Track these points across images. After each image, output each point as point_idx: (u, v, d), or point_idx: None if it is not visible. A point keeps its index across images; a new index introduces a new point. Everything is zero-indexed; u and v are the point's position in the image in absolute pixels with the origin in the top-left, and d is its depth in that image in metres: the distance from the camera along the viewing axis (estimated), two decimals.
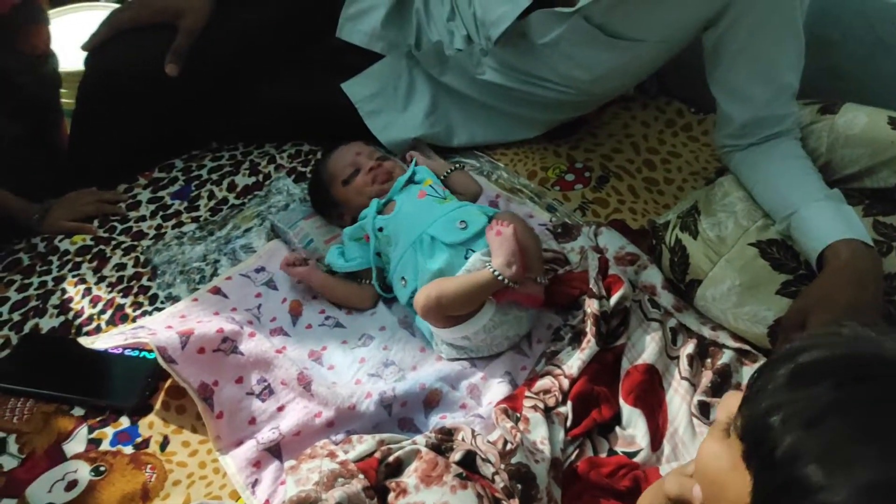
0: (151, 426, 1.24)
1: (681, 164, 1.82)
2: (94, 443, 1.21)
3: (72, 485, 1.14)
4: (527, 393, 1.26)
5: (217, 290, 1.44)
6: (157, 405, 1.27)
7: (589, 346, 1.30)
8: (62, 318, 1.39)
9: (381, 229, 1.42)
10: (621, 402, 1.28)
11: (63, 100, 1.76)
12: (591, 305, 1.34)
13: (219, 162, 1.76)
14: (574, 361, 1.30)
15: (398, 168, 1.55)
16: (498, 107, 1.79)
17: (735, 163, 1.47)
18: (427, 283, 1.30)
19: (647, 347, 1.33)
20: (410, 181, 1.51)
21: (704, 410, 1.25)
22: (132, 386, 1.26)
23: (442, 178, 1.56)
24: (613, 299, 1.36)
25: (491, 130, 1.81)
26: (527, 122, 1.82)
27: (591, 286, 1.37)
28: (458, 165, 1.62)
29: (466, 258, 1.33)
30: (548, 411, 1.23)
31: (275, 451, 1.21)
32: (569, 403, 1.24)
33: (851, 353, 0.62)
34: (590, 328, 1.32)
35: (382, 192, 1.47)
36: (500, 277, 1.27)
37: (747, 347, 1.33)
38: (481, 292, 1.29)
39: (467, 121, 1.79)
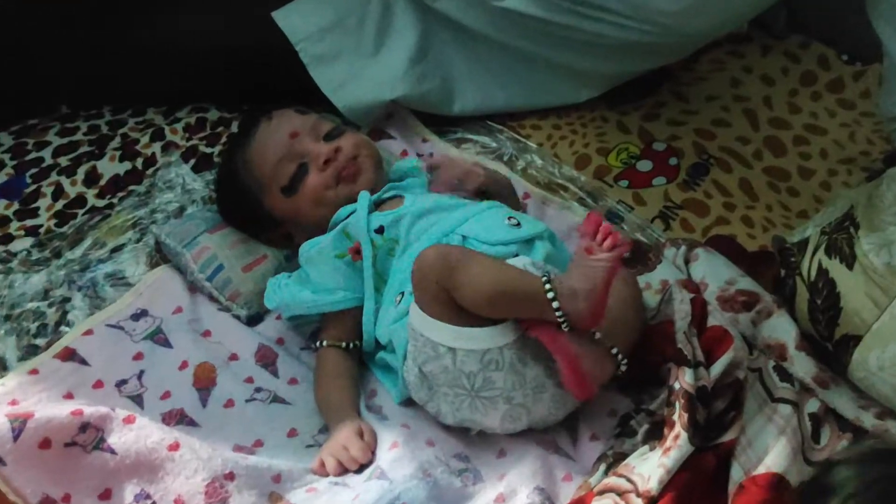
0: None
1: (826, 145, 1.81)
2: None
3: None
4: None
5: (69, 354, 1.44)
6: None
7: (678, 444, 1.30)
8: None
9: (380, 229, 1.46)
10: None
11: None
12: (682, 378, 1.34)
13: (71, 137, 1.72)
14: (654, 470, 1.29)
15: (364, 144, 1.57)
16: (527, 52, 1.78)
17: None
18: None
19: (772, 447, 1.34)
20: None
21: None
22: None
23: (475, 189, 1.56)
24: (717, 367, 1.37)
25: (515, 90, 1.81)
26: (574, 76, 1.81)
27: (678, 346, 1.37)
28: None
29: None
30: None
31: None
32: None
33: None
34: (679, 415, 1.32)
35: (358, 192, 1.51)
36: (550, 295, 1.27)
37: None
38: (514, 297, 1.30)
39: (476, 74, 1.80)
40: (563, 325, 1.28)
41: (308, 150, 1.53)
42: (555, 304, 1.27)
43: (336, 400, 1.44)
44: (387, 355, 1.45)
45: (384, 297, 1.46)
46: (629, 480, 1.29)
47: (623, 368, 1.37)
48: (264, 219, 1.56)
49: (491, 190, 1.57)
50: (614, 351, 1.35)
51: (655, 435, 1.35)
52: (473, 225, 1.43)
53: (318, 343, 1.48)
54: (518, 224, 1.44)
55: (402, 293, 1.42)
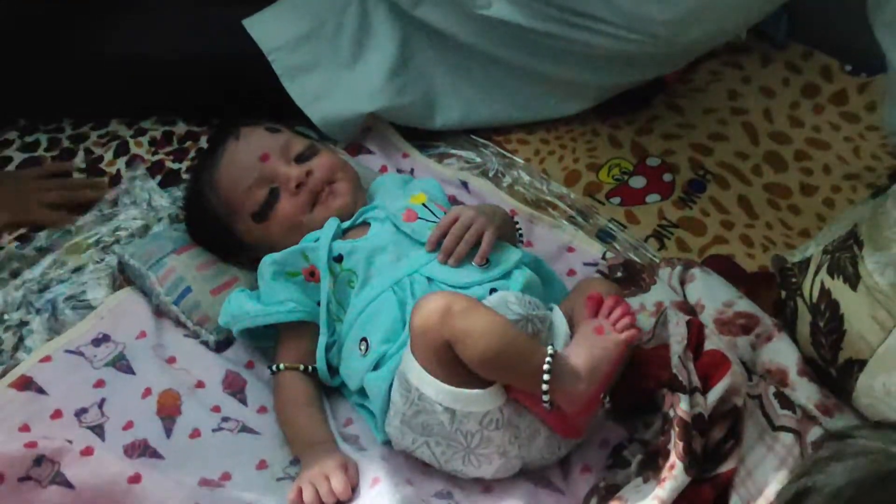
0: None
1: (829, 160, 1.81)
2: None
3: None
4: None
5: (27, 382, 1.44)
6: None
7: (673, 474, 1.29)
8: None
9: (339, 258, 1.46)
10: None
11: None
12: (677, 405, 1.33)
13: (31, 153, 1.72)
14: (648, 503, 1.28)
15: (339, 166, 1.57)
16: (514, 63, 1.78)
17: None
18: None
19: (773, 478, 1.33)
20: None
21: None
22: None
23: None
24: (714, 393, 1.36)
25: (501, 103, 1.82)
26: (563, 88, 1.82)
27: (674, 371, 1.36)
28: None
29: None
30: None
31: None
32: None
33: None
34: (674, 444, 1.31)
35: (335, 215, 1.51)
36: (546, 377, 1.28)
37: None
38: (512, 365, 1.30)
39: (460, 86, 1.80)
40: (545, 405, 1.29)
41: (278, 173, 1.52)
42: (544, 387, 1.28)
43: (309, 430, 1.42)
44: (362, 400, 1.44)
45: (344, 332, 1.45)
46: None
47: (607, 406, 1.37)
48: (234, 244, 1.55)
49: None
50: (602, 400, 1.35)
51: (650, 465, 1.34)
52: (438, 266, 1.43)
53: (274, 367, 1.46)
54: (487, 263, 1.43)
55: (366, 340, 1.41)
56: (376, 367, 1.39)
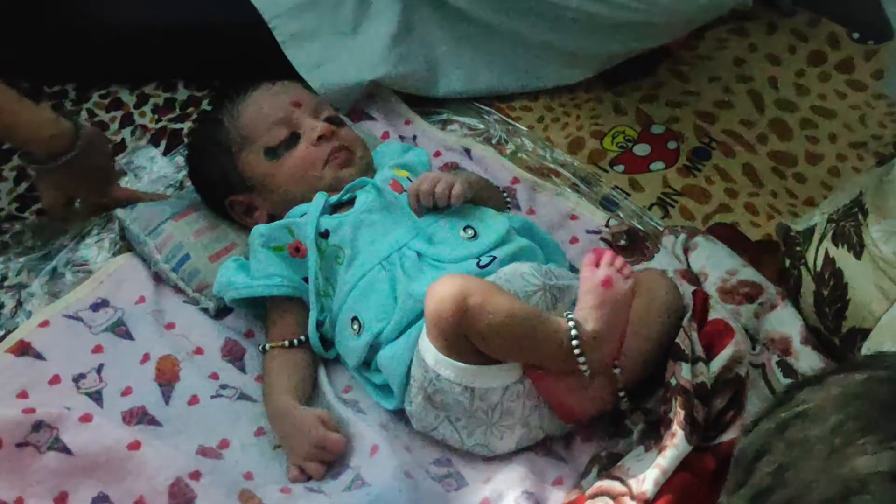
0: None
1: (835, 128, 1.81)
2: None
3: None
4: None
5: (24, 348, 1.43)
6: None
7: (674, 443, 1.29)
8: None
9: (325, 233, 1.45)
10: None
11: None
12: (678, 374, 1.32)
13: None
14: (649, 472, 1.27)
15: (361, 145, 1.57)
16: (517, 31, 1.78)
17: None
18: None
19: None
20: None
21: None
22: None
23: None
24: (717, 362, 1.35)
25: (504, 70, 1.81)
26: (567, 56, 1.81)
27: (676, 340, 1.36)
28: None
29: (482, 266, 1.39)
30: None
31: None
32: None
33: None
34: (676, 412, 1.30)
35: (339, 182, 1.51)
36: (577, 350, 1.29)
37: None
38: (535, 347, 1.30)
39: (463, 53, 1.80)
40: (584, 373, 1.30)
41: (304, 122, 1.53)
42: (581, 360, 1.29)
43: (281, 400, 1.40)
44: (364, 372, 1.43)
45: (335, 308, 1.44)
46: (623, 482, 1.28)
47: (624, 406, 1.36)
48: (232, 177, 1.54)
49: (474, 197, 1.53)
50: (621, 394, 1.35)
51: (651, 435, 1.34)
52: (426, 240, 1.42)
53: (261, 348, 1.46)
54: (475, 235, 1.42)
55: (357, 319, 1.40)
56: (377, 345, 1.39)
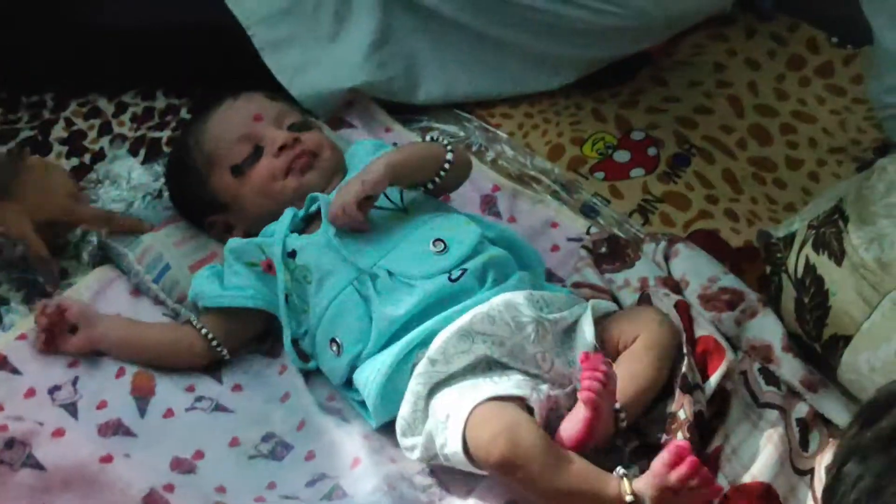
0: None
1: (815, 133, 1.81)
2: None
3: None
4: None
5: (1, 361, 1.43)
6: None
7: None
8: None
9: (292, 254, 1.43)
10: None
11: None
12: (687, 407, 1.31)
13: (12, 125, 1.73)
14: None
15: (329, 146, 1.55)
16: (497, 37, 1.78)
17: None
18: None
19: (759, 455, 1.34)
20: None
21: None
22: None
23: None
24: (712, 382, 1.37)
25: (483, 76, 1.81)
26: (547, 62, 1.81)
27: (683, 371, 1.35)
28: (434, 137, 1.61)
29: (454, 280, 1.38)
30: None
31: None
32: None
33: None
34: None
35: (304, 189, 1.50)
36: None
37: None
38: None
39: (443, 60, 1.79)
40: None
41: (266, 135, 1.51)
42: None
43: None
44: (352, 393, 1.42)
45: (312, 328, 1.43)
46: None
47: (623, 424, 1.34)
48: (206, 198, 1.53)
49: (412, 179, 1.50)
50: (623, 424, 1.33)
51: (644, 454, 1.33)
52: (397, 257, 1.40)
53: (192, 319, 1.47)
54: (444, 248, 1.40)
55: (336, 342, 1.40)
56: (355, 366, 1.39)
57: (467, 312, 1.34)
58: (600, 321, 1.39)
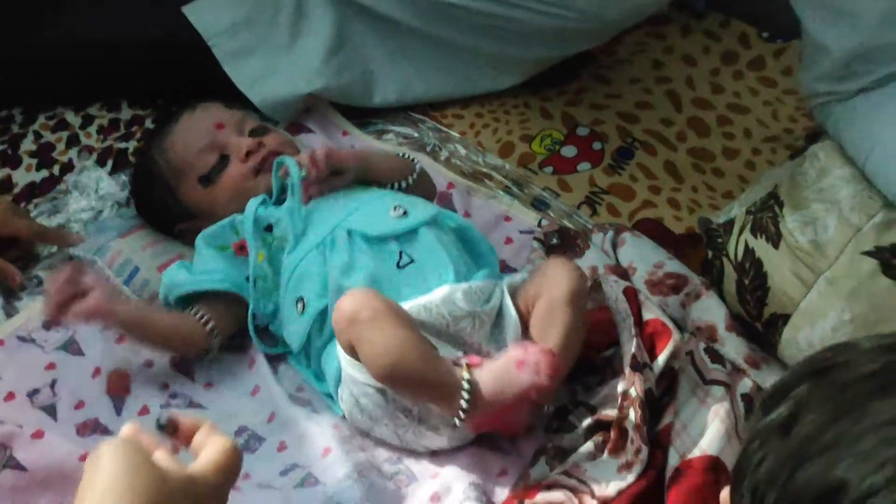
0: None
1: (749, 124, 1.83)
2: None
3: None
4: None
5: None
6: None
7: (640, 459, 1.30)
8: None
9: (269, 228, 1.45)
10: None
11: None
12: (638, 386, 1.32)
13: None
14: (614, 483, 1.29)
15: (289, 145, 1.57)
16: (448, 40, 1.79)
17: (836, 120, 1.49)
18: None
19: (706, 429, 1.35)
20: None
21: None
22: None
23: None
24: (660, 361, 1.38)
25: (436, 78, 1.83)
26: (496, 63, 1.83)
27: (633, 351, 1.36)
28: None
29: (402, 265, 1.38)
30: None
31: None
32: None
33: (811, 357, 0.84)
34: (637, 426, 1.31)
35: (269, 183, 1.50)
36: (464, 409, 1.27)
37: None
38: (418, 386, 1.29)
39: (397, 63, 1.80)
40: (457, 419, 1.28)
41: (230, 142, 1.52)
42: (459, 417, 1.27)
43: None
44: (320, 385, 1.43)
45: (282, 297, 1.43)
46: (581, 481, 1.30)
47: (548, 412, 1.37)
48: (176, 210, 1.54)
49: (377, 174, 1.53)
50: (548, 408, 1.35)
51: (599, 432, 1.35)
52: (358, 217, 1.41)
53: (192, 309, 1.45)
54: (404, 213, 1.42)
55: (302, 299, 1.40)
56: (321, 330, 1.38)
57: (406, 303, 1.34)
58: (516, 293, 1.39)
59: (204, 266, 1.46)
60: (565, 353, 1.33)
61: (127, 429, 0.98)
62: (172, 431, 1.03)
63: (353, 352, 1.30)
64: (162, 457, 0.94)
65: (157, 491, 0.88)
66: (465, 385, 1.26)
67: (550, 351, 1.28)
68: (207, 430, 1.01)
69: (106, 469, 0.89)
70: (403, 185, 1.53)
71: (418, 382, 1.28)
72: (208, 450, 0.98)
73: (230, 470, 0.98)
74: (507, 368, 1.26)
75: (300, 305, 1.39)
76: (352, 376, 1.32)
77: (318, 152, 1.47)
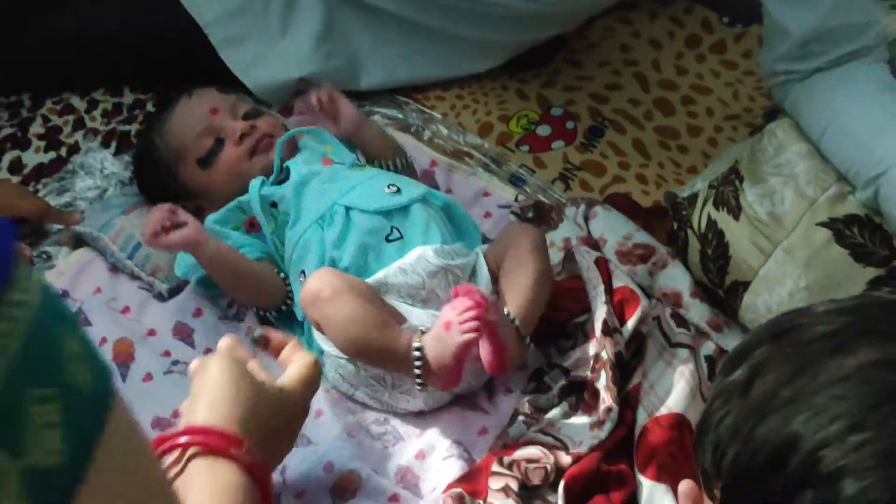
0: None
1: (712, 103, 1.84)
2: None
3: None
4: (495, 467, 1.27)
5: None
6: None
7: (611, 417, 1.31)
8: None
9: (274, 204, 1.46)
10: (638, 475, 1.29)
11: None
12: (609, 349, 1.33)
13: None
14: (586, 438, 1.31)
15: (281, 126, 1.59)
16: (429, 25, 1.80)
17: (793, 99, 1.50)
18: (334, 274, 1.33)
19: (672, 389, 1.36)
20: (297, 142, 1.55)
21: None
22: None
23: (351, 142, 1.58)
24: (629, 326, 1.39)
25: (419, 63, 1.83)
26: (474, 47, 1.84)
27: (605, 318, 1.36)
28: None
29: (390, 239, 1.39)
30: (528, 493, 1.25)
31: None
32: (561, 487, 1.25)
33: (770, 321, 0.85)
34: (608, 386, 1.32)
35: (270, 165, 1.50)
36: (417, 371, 1.28)
37: None
38: (376, 355, 1.31)
39: (382, 49, 1.81)
40: (416, 386, 1.30)
41: (225, 126, 1.53)
42: (417, 378, 1.29)
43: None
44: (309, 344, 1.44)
45: (286, 268, 1.46)
46: (556, 439, 1.32)
47: (528, 348, 1.39)
48: (177, 190, 1.55)
49: (373, 147, 1.58)
50: (526, 341, 1.36)
51: (572, 392, 1.37)
52: (355, 194, 1.43)
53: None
54: (398, 190, 1.44)
55: (304, 272, 1.42)
56: None
57: (383, 269, 1.36)
58: (486, 255, 1.42)
59: (234, 242, 1.46)
60: (534, 296, 1.35)
61: (226, 340, 1.09)
62: (265, 345, 1.14)
63: (320, 328, 1.33)
64: (255, 367, 1.06)
65: (255, 399, 1.00)
66: (416, 353, 1.27)
67: (471, 289, 1.25)
68: (294, 346, 1.13)
69: (215, 378, 1.01)
70: (398, 164, 1.57)
71: (376, 354, 1.30)
72: (295, 364, 1.10)
73: (313, 382, 1.11)
74: (440, 333, 1.26)
75: (302, 278, 1.41)
76: (326, 350, 1.36)
77: (332, 93, 1.53)
